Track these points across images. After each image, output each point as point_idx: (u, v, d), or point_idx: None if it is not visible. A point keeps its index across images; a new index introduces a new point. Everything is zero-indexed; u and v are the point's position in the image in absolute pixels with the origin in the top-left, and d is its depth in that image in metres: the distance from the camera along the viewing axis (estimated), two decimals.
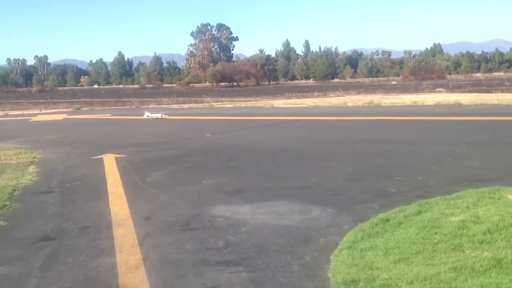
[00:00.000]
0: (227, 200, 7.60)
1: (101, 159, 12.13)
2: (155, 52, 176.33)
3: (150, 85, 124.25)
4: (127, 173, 10.14)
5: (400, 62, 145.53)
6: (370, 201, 7.13)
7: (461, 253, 4.77)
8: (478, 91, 40.51)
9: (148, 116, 25.56)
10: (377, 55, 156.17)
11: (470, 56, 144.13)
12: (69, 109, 38.69)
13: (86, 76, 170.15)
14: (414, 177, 8.69)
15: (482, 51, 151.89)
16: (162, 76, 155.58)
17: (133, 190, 8.59)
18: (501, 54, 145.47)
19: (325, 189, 8.15)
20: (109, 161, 11.78)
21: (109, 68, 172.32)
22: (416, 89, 50.16)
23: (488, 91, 39.66)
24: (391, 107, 27.48)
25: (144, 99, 50.73)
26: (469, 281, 4.09)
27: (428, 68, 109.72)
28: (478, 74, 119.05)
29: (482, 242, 4.95)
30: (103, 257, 5.28)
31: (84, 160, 12.23)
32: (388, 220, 5.99)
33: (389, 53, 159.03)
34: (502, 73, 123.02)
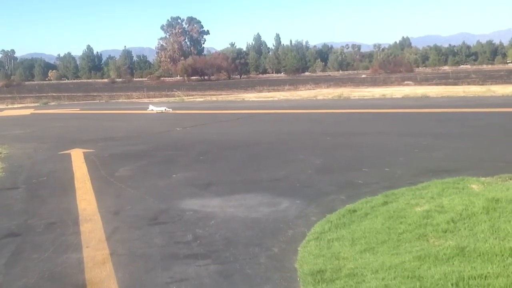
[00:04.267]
0: (197, 194, 7.59)
1: (69, 154, 11.96)
2: (125, 46, 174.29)
3: (120, 79, 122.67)
4: (95, 168, 10.02)
5: (370, 56, 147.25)
6: (338, 193, 7.21)
7: (425, 242, 4.87)
8: (445, 84, 41.29)
9: (152, 109, 24.86)
10: (347, 48, 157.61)
11: (437, 49, 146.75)
12: (36, 104, 37.94)
13: (54, 71, 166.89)
14: (381, 168, 8.82)
15: (450, 45, 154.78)
16: (132, 70, 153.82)
17: (101, 185, 8.50)
18: (468, 47, 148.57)
19: (295, 181, 8.21)
20: (77, 156, 11.61)
21: (78, 62, 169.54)
22: (385, 82, 50.84)
23: (455, 84, 40.47)
24: (360, 100, 27.81)
25: (114, 94, 50.07)
26: (433, 270, 4.18)
27: (396, 62, 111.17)
28: (446, 67, 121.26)
29: (445, 231, 5.07)
30: (69, 253, 5.22)
31: (52, 155, 12.03)
32: (355, 211, 6.08)
33: (359, 47, 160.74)
34: (469, 66, 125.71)
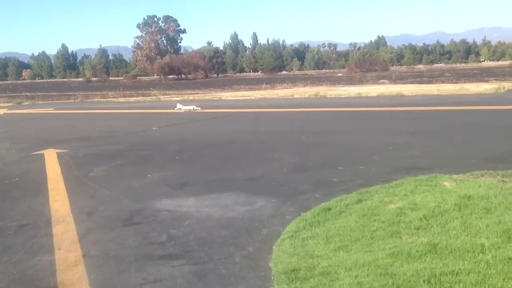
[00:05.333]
0: (172, 194, 7.53)
1: (42, 155, 11.76)
2: (101, 45, 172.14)
3: (96, 79, 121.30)
4: (69, 169, 9.87)
5: (346, 55, 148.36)
6: (313, 191, 7.24)
7: (398, 239, 4.92)
8: (420, 82, 41.83)
9: (180, 108, 23.85)
10: (323, 47, 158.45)
11: (412, 48, 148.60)
12: (9, 104, 37.27)
13: (28, 70, 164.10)
14: (356, 166, 8.89)
15: (424, 43, 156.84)
16: (108, 69, 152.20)
17: (74, 185, 8.38)
18: (442, 46, 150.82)
19: (270, 180, 8.21)
20: (51, 157, 11.43)
21: (53, 61, 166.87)
22: (361, 81, 51.28)
23: (429, 82, 41.04)
24: (336, 99, 28.01)
25: (89, 93, 49.46)
26: (405, 266, 4.22)
27: (372, 60, 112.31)
28: (420, 66, 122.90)
29: (418, 228, 5.12)
30: (41, 255, 5.13)
31: (24, 156, 11.82)
32: (329, 209, 6.11)
33: (335, 46, 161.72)
34: (443, 65, 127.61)
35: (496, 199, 5.76)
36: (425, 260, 4.31)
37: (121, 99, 38.20)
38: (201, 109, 23.66)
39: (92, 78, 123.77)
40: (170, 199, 7.16)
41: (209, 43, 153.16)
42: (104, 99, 39.40)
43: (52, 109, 29.96)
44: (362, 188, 7.06)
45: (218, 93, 40.96)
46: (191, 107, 23.95)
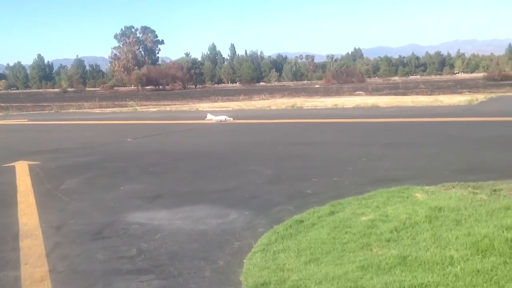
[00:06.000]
0: (144, 206, 7.43)
1: (13, 167, 11.53)
2: (77, 55, 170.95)
3: (72, 89, 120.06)
4: (40, 181, 9.69)
5: (323, 66, 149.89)
6: (286, 203, 7.22)
7: (369, 251, 4.92)
8: (395, 94, 42.36)
9: (211, 119, 22.79)
10: (301, 59, 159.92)
11: (388, 60, 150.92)
12: None
13: (3, 80, 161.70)
14: (330, 178, 8.90)
15: (399, 56, 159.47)
16: (84, 80, 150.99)
17: (45, 198, 8.21)
18: (417, 58, 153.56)
19: (244, 192, 8.17)
20: (22, 169, 11.21)
21: (28, 72, 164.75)
22: (338, 92, 51.74)
23: (404, 94, 41.60)
24: (313, 110, 28.17)
25: (65, 104, 48.89)
26: (375, 279, 4.22)
27: (349, 72, 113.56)
28: (396, 78, 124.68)
29: (389, 240, 5.13)
30: (6, 270, 4.99)
31: None
32: (302, 221, 6.09)
33: (313, 57, 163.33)
34: (418, 76, 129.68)
35: (466, 211, 5.82)
36: (395, 273, 4.31)
37: (97, 110, 37.81)
38: (232, 119, 22.45)
39: (69, 89, 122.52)
40: (142, 212, 7.06)
41: (187, 54, 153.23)
42: (79, 110, 38.95)
43: (26, 120, 29.50)
44: (336, 199, 7.06)
45: (195, 104, 40.87)
46: (223, 117, 22.75)
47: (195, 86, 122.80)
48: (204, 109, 33.64)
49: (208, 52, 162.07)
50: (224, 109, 33.33)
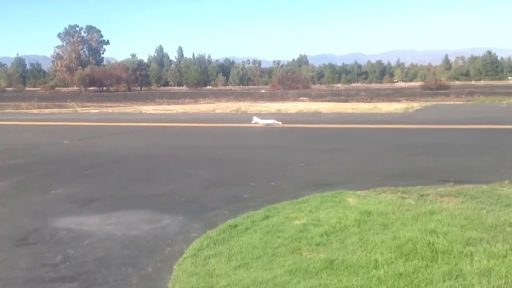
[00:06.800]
0: (75, 211, 7.21)
1: None
2: (18, 54, 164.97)
3: (11, 89, 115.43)
4: None
5: (270, 72, 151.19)
6: (222, 208, 7.19)
7: (299, 255, 4.97)
8: (337, 101, 43.26)
9: (257, 122, 20.84)
10: (248, 64, 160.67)
11: (332, 67, 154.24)
12: None
13: None
14: (268, 182, 8.95)
15: (343, 63, 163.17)
16: (25, 79, 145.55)
17: None
18: (359, 66, 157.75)
19: (180, 196, 8.08)
20: None
21: None
22: (282, 98, 52.26)
23: (345, 101, 42.55)
24: (256, 114, 28.27)
25: (2, 104, 46.81)
26: (302, 283, 4.26)
27: (294, 78, 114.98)
28: (339, 85, 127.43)
29: (318, 244, 5.20)
30: None
31: None
32: (236, 226, 6.08)
33: (260, 63, 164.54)
34: (359, 84, 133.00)
35: (394, 215, 5.98)
36: (321, 277, 4.37)
37: (35, 111, 36.50)
38: (281, 123, 20.59)
39: (7, 88, 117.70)
40: (72, 217, 6.84)
41: (133, 55, 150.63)
42: (16, 110, 37.48)
43: None
44: (271, 204, 7.09)
45: (139, 107, 40.19)
46: (271, 121, 20.94)
47: (141, 88, 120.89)
48: (148, 111, 33.16)
49: (155, 54, 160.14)
50: (168, 112, 32.96)
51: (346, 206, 6.63)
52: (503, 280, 3.95)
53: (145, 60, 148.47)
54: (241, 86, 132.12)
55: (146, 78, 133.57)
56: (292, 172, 9.97)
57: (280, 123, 20.50)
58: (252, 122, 21.02)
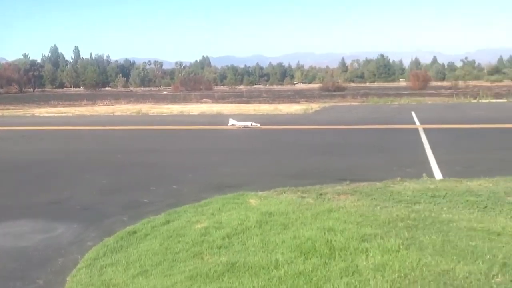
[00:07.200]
0: None
1: None
2: None
3: None
4: None
5: (172, 73, 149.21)
6: (120, 214, 6.93)
7: (200, 260, 4.88)
8: (239, 102, 43.68)
9: (233, 124, 20.08)
10: (149, 65, 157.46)
11: (234, 69, 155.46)
12: None
13: None
14: (169, 186, 8.78)
15: (245, 65, 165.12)
16: None
17: None
18: (261, 68, 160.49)
19: (76, 203, 7.69)
20: None
21: None
22: (185, 100, 51.82)
23: (247, 102, 43.08)
24: (159, 117, 27.83)
25: None
26: None
27: (197, 80, 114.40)
28: (241, 86, 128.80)
29: (220, 247, 5.15)
30: None
31: None
32: (135, 232, 5.87)
33: (161, 64, 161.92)
34: (261, 86, 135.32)
35: (294, 214, 6.08)
36: (223, 280, 4.31)
37: None
38: (260, 125, 20.18)
39: None
40: None
41: (25, 55, 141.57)
42: None
43: None
44: (172, 208, 6.94)
45: (32, 109, 37.91)
46: (248, 123, 20.31)
47: (34, 90, 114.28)
48: (42, 114, 31.40)
49: (50, 54, 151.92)
50: (64, 114, 31.41)
51: (248, 207, 6.64)
52: (396, 274, 4.12)
53: (39, 61, 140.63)
54: (142, 88, 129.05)
55: (39, 79, 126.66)
56: (194, 174, 9.86)
57: (258, 124, 20.18)
58: (228, 124, 20.40)
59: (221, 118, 25.35)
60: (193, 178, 9.51)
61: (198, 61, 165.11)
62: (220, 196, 7.44)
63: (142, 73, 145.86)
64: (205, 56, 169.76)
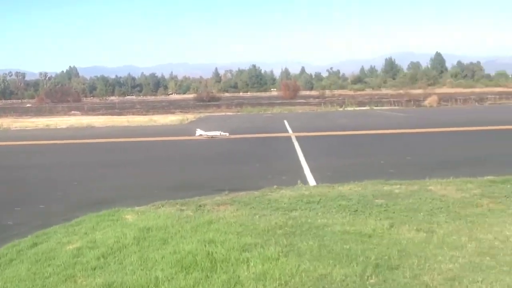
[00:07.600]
0: None
1: None
2: None
3: None
4: None
5: (36, 84, 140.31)
6: None
7: (73, 283, 4.54)
8: (112, 114, 42.26)
9: (201, 134, 19.48)
10: (10, 76, 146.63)
11: (105, 80, 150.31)
12: None
13: None
14: (36, 205, 8.15)
15: (116, 76, 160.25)
16: None
17: None
18: (133, 79, 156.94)
19: None
20: None
21: None
22: (51, 112, 48.98)
23: (120, 114, 41.84)
24: (22, 131, 25.97)
25: None
26: None
27: (64, 91, 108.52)
28: (113, 97, 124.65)
29: (95, 269, 4.84)
30: None
31: None
32: None
33: (24, 75, 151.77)
34: (134, 97, 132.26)
35: (173, 228, 5.94)
36: None
37: None
38: (228, 134, 19.56)
39: None
40: None
41: None
42: None
43: None
44: (40, 229, 6.43)
45: None
46: (217, 133, 19.78)
47: None
48: None
49: None
50: None
51: (124, 224, 6.37)
52: (277, 282, 4.17)
53: None
54: (3, 101, 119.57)
55: None
56: (64, 192, 9.26)
57: (227, 134, 20.00)
58: (196, 134, 19.97)
59: (92, 131, 24.32)
60: (63, 196, 8.93)
61: (64, 71, 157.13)
62: (93, 213, 7.04)
63: (2, 85, 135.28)
64: (72, 66, 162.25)
